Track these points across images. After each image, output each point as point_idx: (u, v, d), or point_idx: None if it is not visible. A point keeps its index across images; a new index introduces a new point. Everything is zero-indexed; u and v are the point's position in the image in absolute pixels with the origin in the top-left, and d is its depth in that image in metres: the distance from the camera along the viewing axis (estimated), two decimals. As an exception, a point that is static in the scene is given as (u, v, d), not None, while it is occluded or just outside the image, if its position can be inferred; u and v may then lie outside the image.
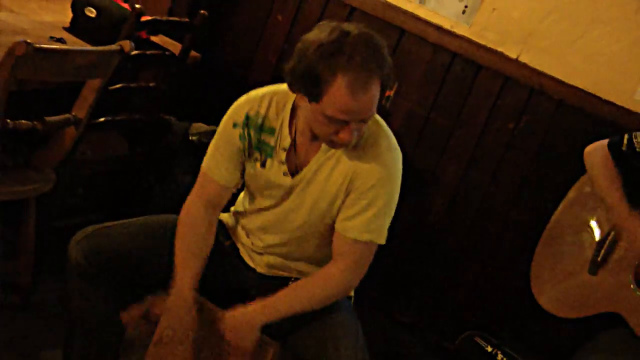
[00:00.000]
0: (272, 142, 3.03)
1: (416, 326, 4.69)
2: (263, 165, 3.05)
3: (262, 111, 3.03)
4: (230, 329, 2.94)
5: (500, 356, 4.23)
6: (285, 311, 2.96)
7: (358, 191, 2.96)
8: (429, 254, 4.70)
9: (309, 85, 2.74)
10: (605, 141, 3.34)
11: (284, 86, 2.95)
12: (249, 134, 3.03)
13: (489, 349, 4.26)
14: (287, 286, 3.03)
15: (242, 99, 3.07)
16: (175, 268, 3.02)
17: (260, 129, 3.02)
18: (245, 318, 2.94)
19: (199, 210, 3.11)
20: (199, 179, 3.14)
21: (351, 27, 2.76)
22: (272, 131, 3.03)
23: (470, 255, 4.62)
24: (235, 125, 3.04)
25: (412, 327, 4.68)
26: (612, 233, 3.24)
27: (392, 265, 4.59)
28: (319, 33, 2.75)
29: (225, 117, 3.09)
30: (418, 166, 4.62)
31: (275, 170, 3.04)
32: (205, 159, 3.13)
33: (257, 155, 3.05)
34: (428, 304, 4.72)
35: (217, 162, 3.10)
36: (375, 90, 2.73)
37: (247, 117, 3.03)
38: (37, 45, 3.15)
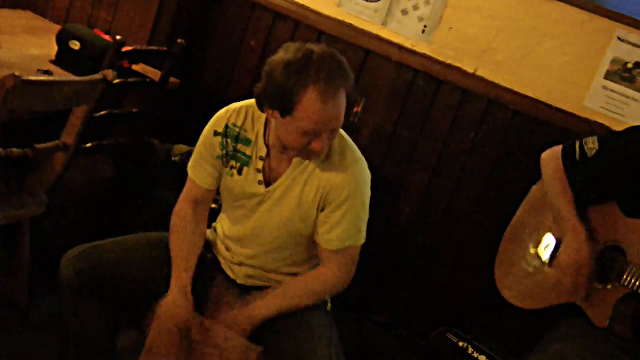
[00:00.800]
0: (248, 151, 3.07)
1: (390, 325, 4.70)
2: (240, 172, 3.09)
3: (239, 123, 3.08)
4: (230, 323, 2.98)
5: (471, 350, 4.23)
6: (280, 309, 3.01)
7: (333, 204, 3.01)
8: (401, 256, 4.73)
9: (281, 101, 2.79)
10: (560, 148, 3.35)
11: None
12: (227, 143, 3.08)
13: (461, 344, 4.26)
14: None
15: (223, 111, 3.13)
16: (173, 267, 3.07)
17: (237, 139, 3.07)
18: (245, 319, 2.99)
19: (188, 209, 3.18)
20: (187, 183, 3.21)
21: (314, 46, 2.83)
22: (248, 142, 3.07)
23: (439, 256, 4.65)
24: (216, 133, 3.10)
25: (387, 326, 4.69)
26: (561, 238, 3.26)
27: (366, 268, 4.51)
28: (285, 54, 2.82)
29: (207, 127, 3.15)
30: (387, 176, 4.65)
31: (251, 179, 3.08)
32: (190, 165, 3.20)
33: (233, 163, 3.09)
34: (401, 304, 4.74)
35: (200, 169, 3.17)
36: (342, 101, 2.80)
37: (227, 127, 3.08)
38: (25, 77, 3.17)
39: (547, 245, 3.36)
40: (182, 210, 3.18)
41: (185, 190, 3.21)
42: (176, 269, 3.06)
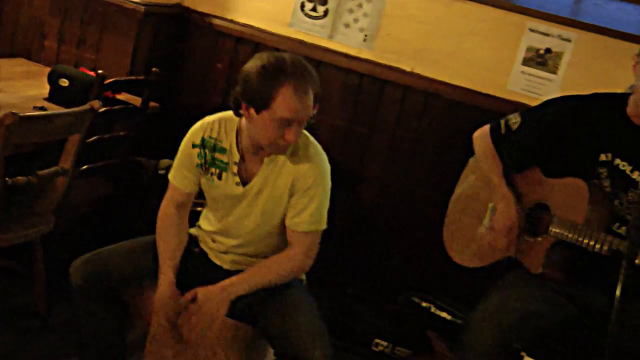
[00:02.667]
0: (225, 159, 3.09)
1: (362, 295, 4.68)
2: (219, 177, 3.11)
3: (214, 135, 3.10)
4: (205, 301, 2.98)
5: (433, 308, 4.28)
6: (252, 285, 3.03)
7: (301, 190, 3.04)
8: (366, 235, 4.75)
9: (259, 98, 2.83)
10: (488, 126, 3.38)
11: (229, 113, 3.05)
12: (205, 153, 3.10)
13: (424, 304, 4.30)
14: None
15: (198, 124, 3.14)
16: (160, 264, 3.09)
17: (214, 149, 3.08)
18: (218, 290, 2.99)
19: (171, 211, 3.20)
20: (169, 188, 3.22)
21: (284, 54, 2.90)
22: (223, 150, 3.09)
23: (399, 232, 4.69)
24: (194, 145, 3.12)
25: (359, 296, 4.67)
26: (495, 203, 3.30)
27: (337, 248, 4.60)
28: (258, 61, 2.87)
29: (185, 139, 3.17)
30: (347, 167, 4.68)
31: (230, 181, 3.10)
32: (171, 173, 3.22)
33: (213, 170, 3.11)
34: (370, 276, 4.77)
35: (181, 175, 3.19)
36: (311, 96, 2.87)
37: (203, 140, 3.10)
38: (22, 114, 3.20)
39: (485, 212, 3.38)
40: (166, 213, 3.20)
41: (167, 195, 3.23)
42: (163, 265, 3.09)
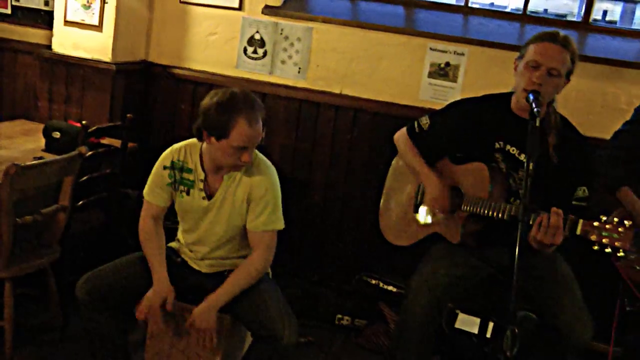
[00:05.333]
0: (191, 177, 3.12)
1: (322, 281, 4.72)
2: (188, 194, 3.14)
3: (182, 158, 3.14)
4: (199, 316, 3.02)
5: (381, 284, 4.30)
6: (231, 294, 3.05)
7: (256, 199, 3.07)
8: (320, 231, 4.75)
9: (218, 129, 2.87)
10: (405, 128, 3.43)
11: (193, 140, 3.09)
12: (175, 174, 3.14)
13: (373, 281, 4.33)
14: (226, 277, 3.10)
15: (167, 150, 3.18)
16: (151, 266, 3.12)
17: (182, 170, 3.12)
18: (207, 306, 3.02)
19: (150, 224, 3.22)
20: (144, 205, 3.24)
21: (233, 89, 2.94)
22: (190, 171, 3.12)
23: (345, 224, 4.70)
24: (164, 167, 3.15)
25: (321, 282, 4.71)
26: (421, 186, 3.33)
27: (297, 244, 4.66)
28: (214, 97, 2.92)
29: (157, 162, 3.20)
30: (297, 177, 4.70)
31: (196, 196, 3.13)
32: (146, 191, 3.24)
33: (182, 188, 3.14)
34: (327, 264, 4.76)
35: (154, 193, 3.21)
36: (261, 124, 2.91)
37: (172, 162, 3.13)
38: (23, 164, 3.23)
39: (413, 198, 3.42)
40: (145, 225, 3.21)
41: (144, 211, 3.24)
42: (154, 267, 3.11)
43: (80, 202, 3.99)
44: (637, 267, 3.30)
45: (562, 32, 3.03)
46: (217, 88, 4.59)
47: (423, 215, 3.35)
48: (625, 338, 3.52)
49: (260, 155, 3.18)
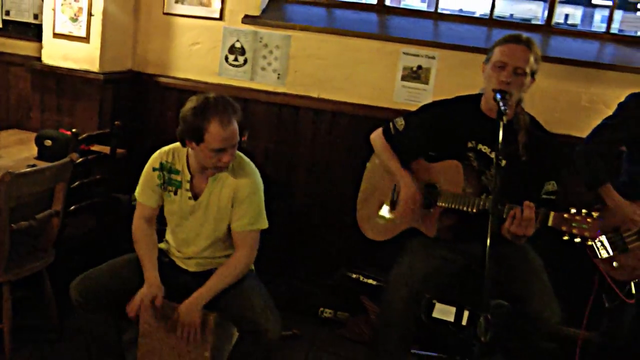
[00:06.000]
0: (179, 178, 3.13)
1: (307, 278, 4.74)
2: (175, 193, 3.15)
3: (170, 160, 3.15)
4: (184, 312, 3.02)
5: (362, 278, 4.31)
6: (214, 291, 3.05)
7: (239, 200, 3.08)
8: (302, 229, 4.76)
9: (194, 134, 2.89)
10: (381, 129, 3.45)
11: (179, 143, 3.09)
12: (164, 175, 3.14)
13: (354, 276, 4.33)
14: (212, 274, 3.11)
15: (156, 153, 3.19)
16: (142, 266, 3.11)
17: (170, 171, 3.13)
18: (192, 302, 3.03)
19: (142, 224, 3.22)
20: (137, 207, 3.24)
21: (209, 94, 2.94)
22: (177, 172, 3.13)
23: (326, 222, 4.71)
24: (154, 169, 3.16)
25: (305, 278, 4.73)
26: (396, 184, 3.34)
27: (281, 242, 4.64)
28: (191, 103, 2.93)
29: (147, 165, 3.20)
30: (279, 179, 4.70)
31: (184, 196, 3.14)
32: (137, 193, 3.24)
33: (170, 188, 3.15)
34: (311, 262, 4.77)
35: (146, 194, 3.22)
36: (235, 125, 2.90)
37: (161, 164, 3.14)
38: (17, 172, 3.22)
39: (389, 195, 3.43)
40: (138, 226, 3.22)
41: (136, 212, 3.24)
42: (145, 266, 3.11)
43: (73, 207, 3.99)
44: (616, 265, 3.34)
45: (526, 35, 3.08)
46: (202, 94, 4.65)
47: (386, 213, 3.41)
48: (601, 326, 3.56)
49: (244, 158, 3.19)
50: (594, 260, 3.37)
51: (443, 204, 3.11)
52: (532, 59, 3.01)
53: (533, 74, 3.05)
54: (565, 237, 2.72)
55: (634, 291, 3.34)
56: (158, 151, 3.22)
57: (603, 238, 3.34)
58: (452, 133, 3.20)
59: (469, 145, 3.17)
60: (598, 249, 3.34)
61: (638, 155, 3.37)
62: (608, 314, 3.49)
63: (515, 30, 3.32)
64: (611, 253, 3.33)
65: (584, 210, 2.70)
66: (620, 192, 3.35)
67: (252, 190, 3.11)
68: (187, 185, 3.13)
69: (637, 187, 3.35)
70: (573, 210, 2.73)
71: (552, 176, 3.09)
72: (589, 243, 2.71)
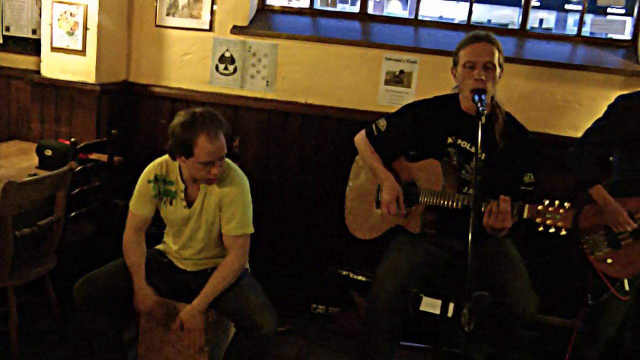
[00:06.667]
0: (173, 188, 3.15)
1: (298, 275, 4.74)
2: (171, 203, 3.16)
3: (163, 171, 3.16)
4: (187, 318, 3.05)
5: (352, 275, 4.31)
6: (212, 295, 3.08)
7: (226, 206, 3.10)
8: (293, 228, 4.75)
9: (183, 149, 2.90)
10: (363, 130, 3.46)
11: None
12: (159, 186, 3.15)
13: (344, 272, 4.34)
14: (209, 274, 3.14)
15: (150, 165, 3.20)
16: (132, 275, 3.13)
17: (164, 182, 3.13)
18: (193, 309, 3.06)
19: (132, 235, 3.22)
20: (129, 217, 3.25)
21: (196, 109, 2.94)
22: (171, 182, 3.15)
23: (315, 221, 4.71)
24: (149, 181, 3.17)
25: (296, 275, 4.72)
26: (380, 184, 3.35)
27: (274, 241, 4.66)
28: (178, 118, 2.94)
29: (142, 176, 3.21)
30: (271, 180, 4.70)
31: (179, 205, 3.15)
32: (132, 203, 3.25)
33: (165, 199, 3.17)
34: (302, 259, 4.77)
35: (140, 204, 3.22)
36: (222, 138, 2.92)
37: (156, 176, 3.15)
38: (19, 181, 3.24)
39: (374, 194, 3.44)
40: (128, 237, 3.22)
41: (128, 222, 3.25)
42: (133, 275, 3.14)
43: (73, 214, 3.99)
44: (609, 261, 3.35)
45: (482, 31, 3.14)
46: (193, 103, 4.68)
47: (372, 212, 3.43)
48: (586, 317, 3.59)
49: (232, 165, 3.20)
50: (588, 258, 3.38)
51: (425, 200, 3.12)
52: (495, 51, 3.06)
53: (500, 65, 3.10)
54: (540, 229, 2.74)
55: (627, 288, 3.35)
56: (152, 163, 3.23)
57: (597, 235, 3.36)
58: (433, 130, 3.22)
59: (449, 140, 3.19)
60: (592, 246, 3.36)
61: (628, 155, 3.38)
62: (592, 310, 3.50)
63: (492, 35, 3.36)
64: (605, 250, 3.35)
65: (556, 202, 2.72)
66: (614, 191, 3.36)
67: (236, 196, 3.13)
68: (182, 195, 3.15)
69: (629, 185, 3.35)
70: (546, 202, 2.75)
71: (528, 168, 3.12)
72: (563, 233, 2.72)
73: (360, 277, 4.31)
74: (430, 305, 3.14)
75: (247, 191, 3.18)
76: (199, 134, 2.88)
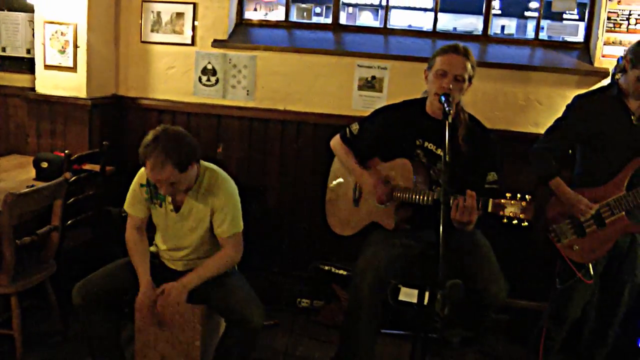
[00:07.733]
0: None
1: (283, 271, 4.75)
2: (160, 206, 3.16)
3: None
4: (171, 289, 3.02)
5: (334, 269, 4.34)
6: (202, 278, 3.06)
7: (218, 210, 3.10)
8: (276, 228, 4.77)
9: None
10: (338, 134, 3.47)
11: None
12: (150, 190, 3.15)
13: (327, 268, 4.36)
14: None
15: (142, 170, 3.13)
16: (137, 270, 3.12)
17: (155, 186, 3.09)
18: (179, 283, 3.03)
19: (134, 234, 3.22)
20: (128, 218, 3.25)
21: (159, 131, 2.92)
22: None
23: (299, 220, 4.73)
24: (141, 185, 3.16)
25: (282, 273, 4.73)
26: (357, 183, 3.37)
27: (258, 241, 4.54)
28: (146, 137, 2.93)
29: (134, 180, 3.21)
30: (254, 184, 4.71)
31: (167, 209, 3.15)
32: (126, 206, 3.25)
33: (156, 201, 3.16)
34: (286, 257, 4.79)
35: (134, 207, 3.23)
36: (166, 169, 2.86)
37: (147, 180, 3.13)
38: (18, 192, 3.24)
39: (352, 194, 3.44)
40: (130, 236, 3.22)
41: (128, 222, 3.25)
42: (139, 273, 3.12)
43: (70, 221, 3.99)
44: (576, 247, 3.40)
45: (463, 44, 3.14)
46: (179, 114, 4.69)
47: (350, 209, 3.43)
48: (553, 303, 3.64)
49: (218, 171, 3.19)
50: (556, 245, 3.43)
51: (398, 196, 3.13)
52: (469, 66, 3.07)
53: (470, 78, 3.11)
54: (505, 221, 2.77)
55: (592, 272, 3.40)
56: (143, 168, 3.19)
57: (563, 224, 3.41)
58: (402, 133, 3.23)
59: (417, 143, 3.20)
60: (559, 234, 3.41)
61: (588, 149, 3.43)
62: (561, 293, 3.55)
63: (456, 41, 3.38)
64: (571, 237, 3.40)
65: (518, 195, 2.75)
66: (576, 183, 3.42)
67: (226, 200, 3.13)
68: (169, 199, 3.15)
69: (591, 176, 3.40)
70: (509, 195, 2.77)
71: (491, 167, 3.14)
72: (525, 225, 2.75)
73: (341, 272, 4.32)
74: (408, 295, 3.15)
75: (235, 194, 3.18)
76: (145, 160, 2.89)
